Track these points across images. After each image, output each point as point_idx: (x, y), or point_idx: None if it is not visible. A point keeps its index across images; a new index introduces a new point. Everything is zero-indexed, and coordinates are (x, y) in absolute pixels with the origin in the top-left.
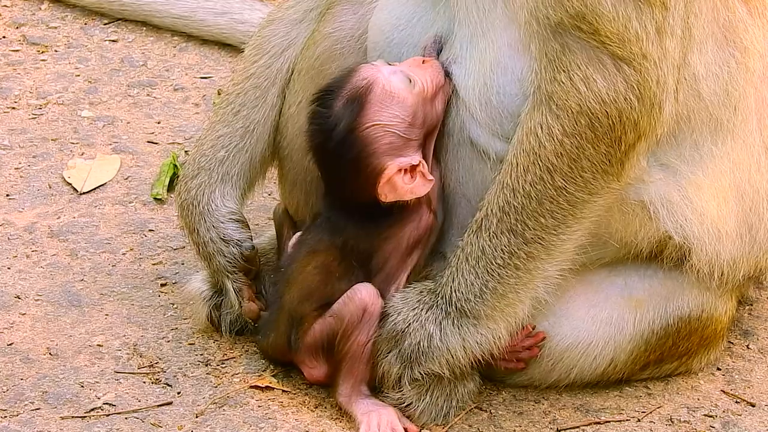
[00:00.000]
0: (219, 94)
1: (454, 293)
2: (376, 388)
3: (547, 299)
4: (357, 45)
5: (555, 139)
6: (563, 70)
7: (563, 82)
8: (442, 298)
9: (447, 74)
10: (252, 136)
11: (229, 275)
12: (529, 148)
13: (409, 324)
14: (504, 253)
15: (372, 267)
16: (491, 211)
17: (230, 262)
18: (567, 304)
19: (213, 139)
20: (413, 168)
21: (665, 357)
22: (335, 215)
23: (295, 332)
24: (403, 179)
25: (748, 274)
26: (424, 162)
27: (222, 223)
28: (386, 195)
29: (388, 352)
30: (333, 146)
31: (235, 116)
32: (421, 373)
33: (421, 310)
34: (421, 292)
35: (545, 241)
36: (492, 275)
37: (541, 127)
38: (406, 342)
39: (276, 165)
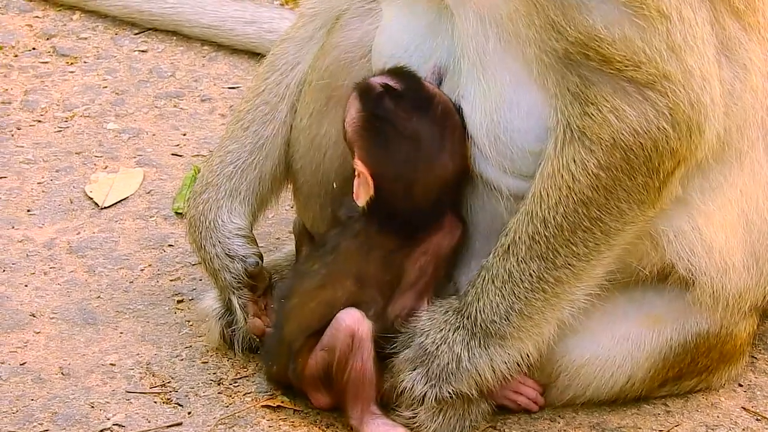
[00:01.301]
0: None
1: (479, 314)
2: (387, 405)
3: (571, 322)
4: (365, 54)
5: (590, 173)
6: (591, 103)
7: (594, 115)
8: (467, 318)
9: (457, 110)
10: (261, 152)
11: (235, 291)
12: (561, 183)
13: (438, 346)
14: (532, 278)
15: (402, 285)
16: (519, 238)
17: (235, 278)
18: (583, 320)
19: (222, 155)
20: None
21: (684, 373)
22: (373, 232)
23: (293, 367)
24: None
25: (755, 304)
26: None
27: (228, 238)
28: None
29: (413, 370)
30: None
31: (245, 132)
32: (449, 393)
33: (448, 331)
34: (447, 311)
35: (575, 267)
36: (519, 298)
37: (575, 162)
38: (435, 363)
39: (290, 180)
